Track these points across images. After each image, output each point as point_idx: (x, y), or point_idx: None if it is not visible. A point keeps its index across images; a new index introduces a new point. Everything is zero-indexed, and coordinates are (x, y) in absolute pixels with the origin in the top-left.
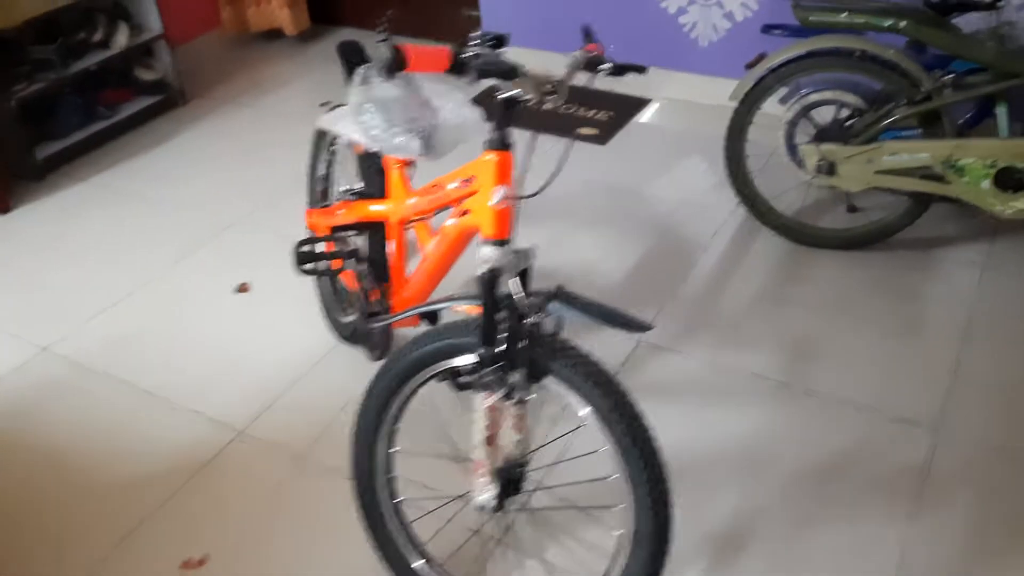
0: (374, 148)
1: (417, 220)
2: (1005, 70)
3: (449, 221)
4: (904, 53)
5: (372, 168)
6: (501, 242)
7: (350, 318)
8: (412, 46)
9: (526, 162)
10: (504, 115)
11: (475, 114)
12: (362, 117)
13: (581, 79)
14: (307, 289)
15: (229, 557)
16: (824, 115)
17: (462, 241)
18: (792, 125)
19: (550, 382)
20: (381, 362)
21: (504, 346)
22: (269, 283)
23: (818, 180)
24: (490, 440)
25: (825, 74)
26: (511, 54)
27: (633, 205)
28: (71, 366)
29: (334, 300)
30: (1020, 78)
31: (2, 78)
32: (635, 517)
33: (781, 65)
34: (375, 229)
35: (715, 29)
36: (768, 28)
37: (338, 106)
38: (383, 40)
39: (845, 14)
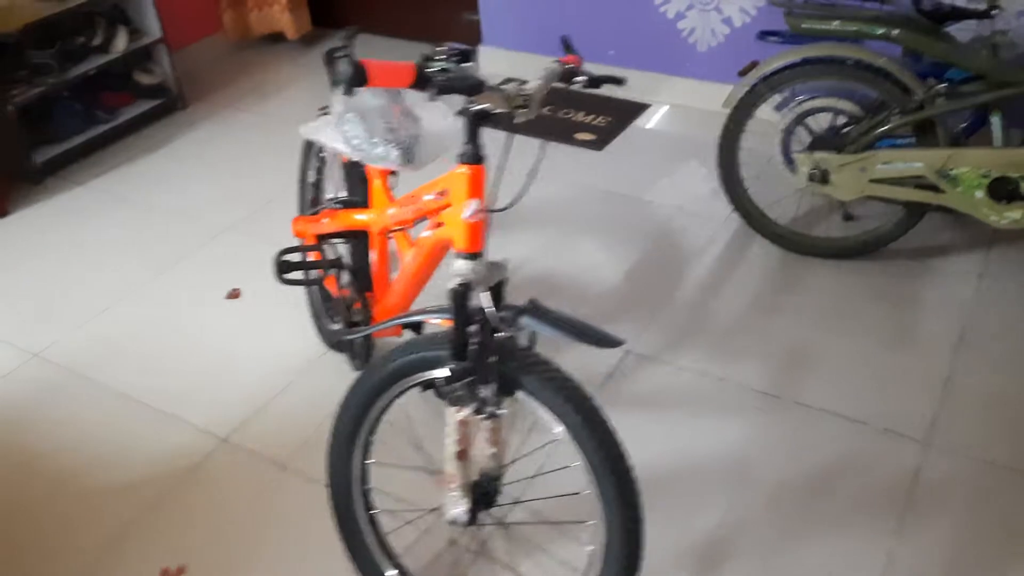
0: (355, 158)
1: (397, 230)
2: (999, 79)
3: (424, 233)
4: (896, 61)
5: (356, 177)
6: (473, 255)
7: (337, 326)
8: (374, 61)
9: (501, 167)
10: (475, 129)
11: (458, 125)
12: (343, 126)
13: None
14: (298, 296)
15: (208, 566)
16: (821, 123)
17: (438, 252)
18: (788, 132)
19: (522, 396)
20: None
21: (474, 360)
22: (261, 289)
23: (811, 189)
24: (461, 454)
25: (821, 81)
26: (506, 59)
27: (628, 211)
28: (62, 372)
29: (323, 307)
30: (1014, 87)
31: (1, 82)
32: (606, 533)
33: (773, 73)
34: (359, 238)
35: (714, 34)
36: (764, 34)
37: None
38: (343, 55)
39: (837, 22)
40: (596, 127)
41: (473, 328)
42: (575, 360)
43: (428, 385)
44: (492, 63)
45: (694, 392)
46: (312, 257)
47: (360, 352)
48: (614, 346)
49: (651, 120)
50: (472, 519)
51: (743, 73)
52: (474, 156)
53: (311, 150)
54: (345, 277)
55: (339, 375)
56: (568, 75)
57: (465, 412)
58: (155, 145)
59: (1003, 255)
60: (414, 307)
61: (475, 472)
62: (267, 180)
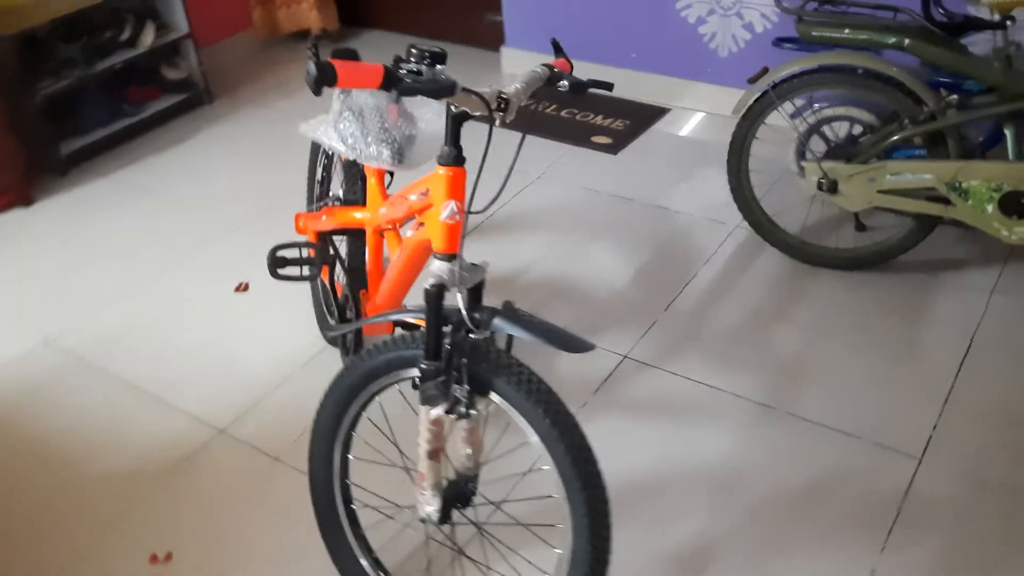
0: (350, 156)
1: (388, 229)
2: (1012, 92)
3: (408, 232)
4: (908, 71)
5: (354, 175)
6: (450, 257)
7: (335, 321)
8: (343, 62)
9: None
10: (456, 131)
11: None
12: (340, 124)
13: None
14: (304, 292)
15: (196, 554)
16: (839, 132)
17: (421, 252)
18: (804, 141)
19: (495, 399)
20: None
21: (446, 360)
22: (269, 283)
23: (820, 198)
24: (433, 453)
25: (836, 90)
26: (529, 61)
27: (638, 216)
28: (71, 359)
29: (324, 304)
30: None
31: (29, 75)
32: (573, 539)
33: (784, 80)
34: (355, 236)
35: (735, 40)
36: (779, 41)
37: None
38: (310, 56)
39: (847, 30)
40: (613, 131)
41: (447, 328)
42: (571, 365)
43: (416, 384)
44: (515, 65)
45: (688, 400)
46: (308, 254)
47: (351, 348)
48: (583, 351)
49: (669, 125)
50: (445, 518)
51: (753, 80)
52: (453, 158)
53: (319, 147)
54: (341, 274)
55: (337, 370)
56: (553, 79)
57: (437, 411)
58: (179, 139)
59: (1018, 271)
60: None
61: (450, 471)
62: (287, 176)
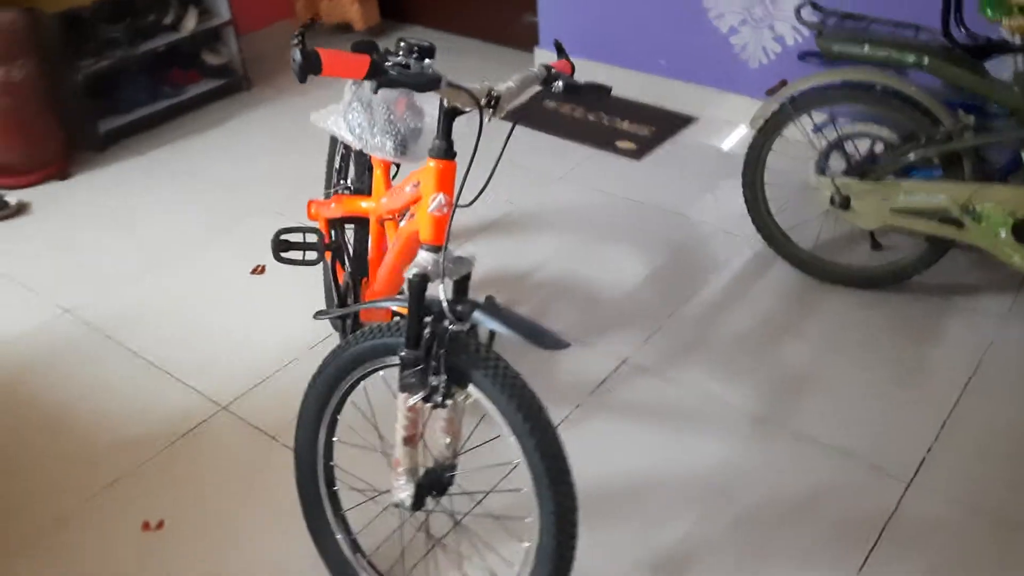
0: (356, 146)
1: (388, 219)
2: None
3: (402, 223)
4: (926, 91)
5: (363, 165)
6: (435, 248)
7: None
8: (329, 51)
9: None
10: (448, 124)
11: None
12: (349, 115)
13: (629, 91)
14: (317, 276)
15: (187, 524)
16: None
17: (413, 243)
18: (825, 156)
19: (472, 391)
20: None
21: (425, 350)
22: (285, 268)
23: (832, 214)
24: (409, 440)
25: (854, 106)
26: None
27: (652, 222)
28: (87, 330)
29: (332, 289)
30: None
31: (72, 53)
32: (539, 533)
33: (802, 94)
34: (361, 224)
35: (766, 52)
36: (805, 55)
37: None
38: (295, 44)
39: (867, 46)
40: (638, 136)
41: (429, 319)
42: (570, 365)
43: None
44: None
45: (685, 407)
46: (313, 239)
47: (348, 334)
48: (557, 348)
49: (695, 134)
50: (418, 504)
51: (772, 92)
52: (444, 151)
53: None
54: (345, 261)
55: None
56: (549, 79)
57: (414, 399)
58: (215, 123)
59: None
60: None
61: (427, 459)
62: (316, 163)
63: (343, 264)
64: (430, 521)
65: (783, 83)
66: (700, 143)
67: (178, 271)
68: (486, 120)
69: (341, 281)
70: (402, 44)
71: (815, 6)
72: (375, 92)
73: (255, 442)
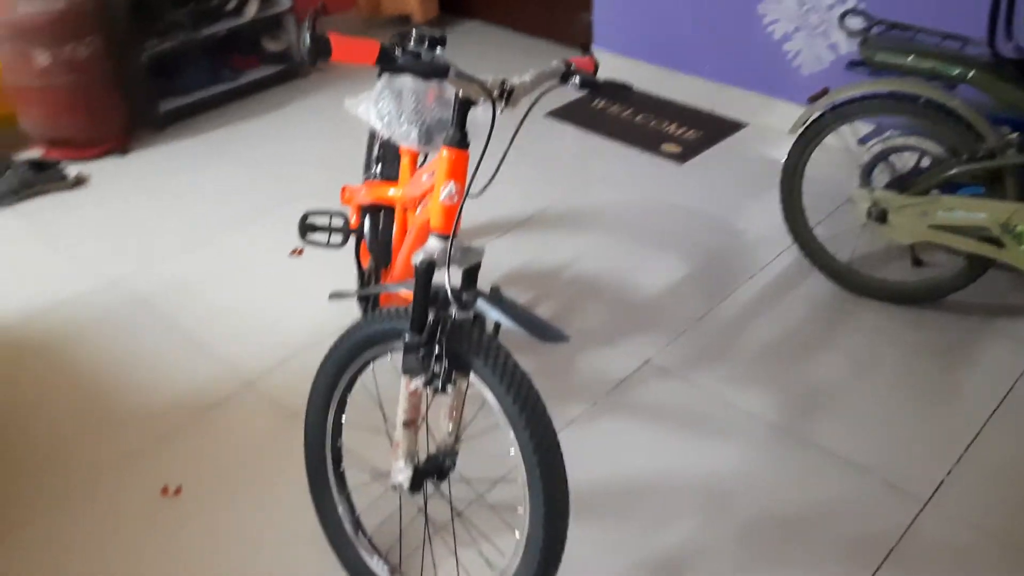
0: (384, 134)
1: (411, 207)
2: None
3: (418, 211)
4: (970, 105)
5: (391, 153)
6: (444, 236)
7: None
8: (340, 37)
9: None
10: (462, 115)
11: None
12: (379, 103)
13: (680, 94)
14: (352, 260)
15: (204, 492)
16: (907, 163)
17: (427, 231)
18: (869, 168)
19: (474, 379)
20: None
21: (428, 335)
22: (322, 251)
23: (871, 226)
24: (409, 423)
25: (897, 118)
26: (613, 62)
27: (689, 226)
28: (128, 301)
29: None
30: None
31: (137, 34)
32: (530, 524)
33: (844, 103)
34: (388, 211)
35: (819, 60)
36: (853, 64)
37: None
38: (307, 29)
39: (912, 57)
40: (684, 140)
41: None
42: (591, 363)
43: None
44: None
45: (703, 411)
46: (340, 223)
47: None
48: (557, 341)
49: (742, 140)
50: (416, 487)
51: (814, 99)
52: (457, 141)
53: None
54: (360, 246)
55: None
56: (566, 75)
57: (415, 383)
58: (271, 108)
59: None
60: None
61: (430, 444)
62: (364, 150)
63: (369, 249)
64: (429, 506)
65: (825, 91)
66: (747, 149)
67: (221, 249)
68: (499, 112)
69: (365, 266)
70: (414, 33)
71: (863, 14)
72: (378, 77)
73: (276, 418)
